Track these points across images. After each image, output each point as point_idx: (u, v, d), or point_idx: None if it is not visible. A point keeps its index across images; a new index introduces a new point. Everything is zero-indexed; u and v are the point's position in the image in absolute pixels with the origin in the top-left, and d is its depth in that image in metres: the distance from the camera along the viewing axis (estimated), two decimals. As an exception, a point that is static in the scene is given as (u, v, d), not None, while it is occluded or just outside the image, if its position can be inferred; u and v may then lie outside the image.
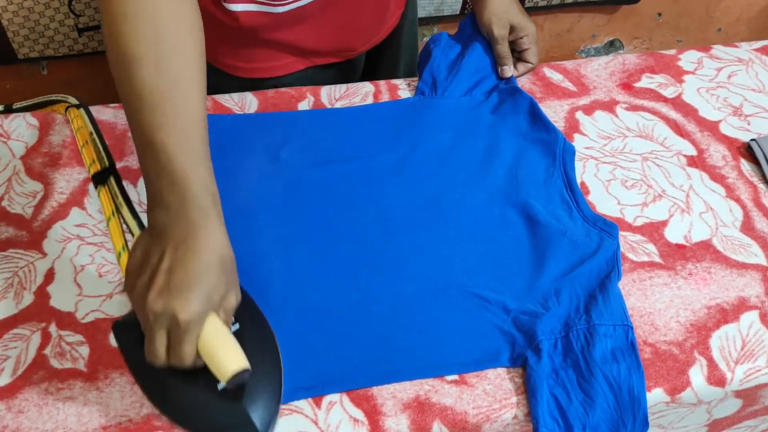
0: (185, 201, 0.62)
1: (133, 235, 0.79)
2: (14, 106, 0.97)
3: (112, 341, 0.73)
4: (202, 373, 0.62)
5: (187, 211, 0.62)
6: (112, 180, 0.83)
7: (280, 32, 0.97)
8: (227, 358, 0.60)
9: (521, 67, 1.05)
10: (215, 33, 0.99)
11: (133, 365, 0.69)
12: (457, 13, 1.67)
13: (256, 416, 0.64)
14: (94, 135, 0.88)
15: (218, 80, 1.03)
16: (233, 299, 0.64)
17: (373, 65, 1.19)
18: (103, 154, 0.87)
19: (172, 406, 0.67)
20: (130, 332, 0.65)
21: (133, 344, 0.65)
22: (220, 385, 0.64)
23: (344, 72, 1.11)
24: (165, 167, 0.62)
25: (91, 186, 0.86)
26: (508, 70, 1.03)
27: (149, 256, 0.62)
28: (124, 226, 0.80)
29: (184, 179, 0.62)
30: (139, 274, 0.61)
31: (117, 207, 0.81)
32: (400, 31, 1.16)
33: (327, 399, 0.70)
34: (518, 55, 1.05)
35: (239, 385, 0.64)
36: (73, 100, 0.94)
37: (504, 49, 1.03)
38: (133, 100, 0.64)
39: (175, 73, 0.65)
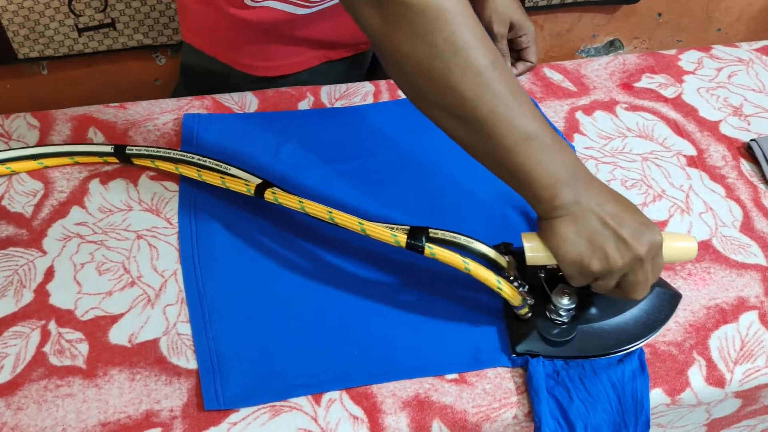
0: (577, 167, 0.65)
1: (489, 261, 0.74)
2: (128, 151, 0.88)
3: (114, 338, 0.73)
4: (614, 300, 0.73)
5: (583, 170, 0.66)
6: (432, 232, 0.73)
7: (302, 29, 0.98)
8: (683, 238, 0.72)
9: (521, 66, 1.05)
10: (234, 34, 0.99)
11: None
12: (458, 13, 1.67)
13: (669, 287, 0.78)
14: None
15: (237, 82, 1.03)
16: None
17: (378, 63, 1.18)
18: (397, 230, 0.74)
19: (628, 333, 0.74)
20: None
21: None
22: None
23: (354, 67, 1.11)
24: (551, 149, 0.64)
25: (91, 184, 0.86)
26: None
27: (592, 234, 0.65)
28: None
29: (566, 151, 0.65)
30: (602, 248, 0.65)
31: (463, 245, 0.74)
32: None
33: (327, 396, 0.70)
34: (517, 54, 1.05)
35: None
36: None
37: (502, 47, 1.03)
38: (495, 104, 0.62)
39: (501, 63, 0.64)
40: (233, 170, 0.82)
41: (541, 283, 0.74)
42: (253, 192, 0.78)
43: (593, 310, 0.74)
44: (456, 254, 0.71)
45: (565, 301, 0.72)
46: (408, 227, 0.73)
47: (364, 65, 1.15)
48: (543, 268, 0.74)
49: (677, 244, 0.71)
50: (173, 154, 0.85)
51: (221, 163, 0.83)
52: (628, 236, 0.64)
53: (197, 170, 0.83)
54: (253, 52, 1.01)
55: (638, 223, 0.65)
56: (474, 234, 0.78)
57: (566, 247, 0.66)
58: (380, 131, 0.96)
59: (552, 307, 0.73)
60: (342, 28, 1.01)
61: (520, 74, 1.05)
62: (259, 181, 0.79)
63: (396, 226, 0.73)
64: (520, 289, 0.72)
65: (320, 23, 0.98)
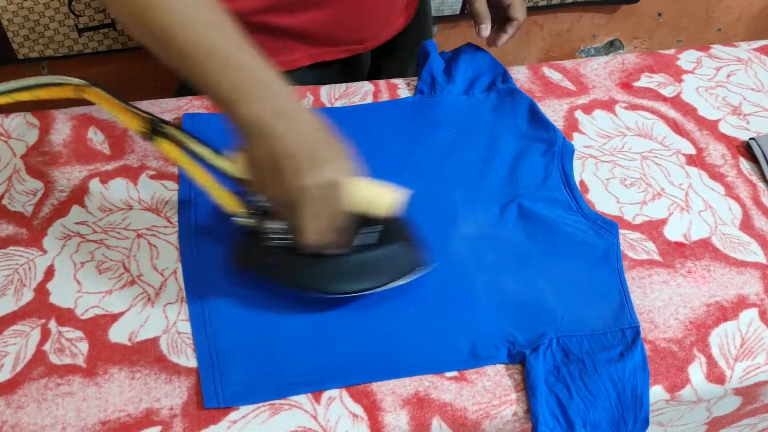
0: (270, 86, 0.63)
1: (213, 166, 0.75)
2: None
3: (114, 337, 0.73)
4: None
5: (277, 94, 0.64)
6: (166, 128, 0.75)
7: (285, 17, 0.96)
8: (380, 191, 0.67)
9: (509, 28, 1.01)
10: None
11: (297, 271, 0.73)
12: (457, 13, 1.67)
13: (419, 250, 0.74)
14: (122, 103, 0.79)
15: None
16: (353, 159, 0.66)
17: (379, 68, 1.17)
18: (140, 112, 0.76)
19: (343, 278, 0.73)
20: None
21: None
22: (371, 239, 0.72)
23: (349, 72, 1.09)
24: (241, 68, 0.63)
25: (91, 183, 0.86)
26: (485, 29, 1.00)
27: (260, 156, 0.63)
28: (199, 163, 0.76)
29: (258, 71, 0.63)
30: (262, 175, 0.64)
31: (183, 145, 0.74)
32: (410, 35, 1.14)
33: (326, 394, 0.70)
34: (504, 14, 1.01)
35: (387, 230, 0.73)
36: (78, 81, 0.82)
37: (480, 6, 0.99)
38: (171, 18, 0.62)
39: None
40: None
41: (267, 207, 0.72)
42: (146, 129, 0.75)
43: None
44: (184, 155, 0.73)
45: (275, 225, 0.71)
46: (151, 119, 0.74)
47: (363, 70, 1.14)
48: None
49: (369, 193, 0.66)
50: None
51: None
52: (290, 168, 0.62)
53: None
54: None
55: (314, 159, 0.62)
56: (473, 232, 0.78)
57: (246, 165, 0.65)
58: (380, 131, 0.95)
59: (264, 229, 0.72)
60: (330, 23, 0.99)
61: (510, 36, 1.02)
62: (151, 117, 0.75)
63: (144, 116, 0.75)
64: (246, 201, 0.72)
65: (304, 15, 0.96)
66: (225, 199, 0.74)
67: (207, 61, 0.62)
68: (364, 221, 0.71)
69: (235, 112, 0.63)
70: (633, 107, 1.03)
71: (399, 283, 0.74)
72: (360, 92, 1.01)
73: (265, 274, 0.75)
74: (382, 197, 0.67)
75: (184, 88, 1.11)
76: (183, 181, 0.87)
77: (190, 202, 0.85)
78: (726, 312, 0.80)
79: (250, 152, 0.65)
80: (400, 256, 0.74)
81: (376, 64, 1.16)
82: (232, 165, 0.71)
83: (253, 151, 0.64)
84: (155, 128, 0.75)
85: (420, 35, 1.17)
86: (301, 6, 0.95)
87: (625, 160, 0.95)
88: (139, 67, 1.55)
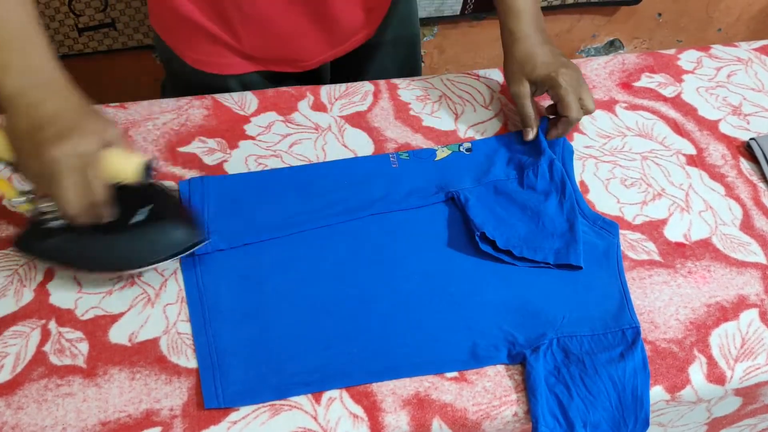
0: (38, 63, 0.65)
1: None
2: None
3: (114, 338, 0.73)
4: (121, 217, 0.71)
5: (44, 71, 0.65)
6: None
7: (213, 26, 0.94)
8: (128, 157, 0.68)
9: (560, 125, 0.91)
10: (170, 20, 0.98)
11: (55, 254, 0.74)
12: (458, 13, 1.67)
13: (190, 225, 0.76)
14: None
15: (183, 71, 1.01)
16: (114, 130, 0.68)
17: (357, 71, 1.14)
18: None
19: (119, 258, 0.74)
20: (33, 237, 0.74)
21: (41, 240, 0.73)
22: (135, 219, 0.73)
23: (307, 80, 1.06)
24: (11, 34, 0.65)
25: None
26: (530, 132, 0.92)
27: (17, 127, 0.64)
28: None
29: (34, 43, 0.65)
30: (19, 146, 0.64)
31: None
32: (392, 44, 1.12)
33: (327, 395, 0.70)
34: (561, 107, 0.91)
35: (148, 195, 0.75)
36: None
37: (523, 108, 0.92)
38: None
39: None
40: None
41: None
42: None
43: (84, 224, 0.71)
44: None
45: (44, 206, 0.72)
46: None
47: (323, 78, 1.12)
48: None
49: (118, 162, 0.68)
50: None
51: None
52: (43, 138, 0.63)
53: None
54: (184, 41, 0.99)
55: (67, 129, 0.63)
56: (473, 231, 0.78)
57: (9, 141, 0.66)
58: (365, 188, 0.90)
59: (37, 209, 0.73)
60: (259, 43, 0.97)
61: (561, 133, 0.92)
62: None
63: None
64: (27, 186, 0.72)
65: (232, 28, 0.95)
66: (0, 185, 0.74)
67: None
68: (135, 200, 0.73)
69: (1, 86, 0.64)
70: (633, 107, 1.03)
71: (173, 259, 0.76)
72: (360, 92, 1.01)
73: (42, 257, 0.76)
74: (128, 163, 0.68)
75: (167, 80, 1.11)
76: (183, 181, 0.87)
77: (190, 203, 0.85)
78: (726, 312, 0.80)
79: (9, 126, 0.65)
80: (171, 232, 0.75)
81: (344, 73, 1.14)
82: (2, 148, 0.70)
83: (12, 123, 0.65)
84: None
85: (400, 42, 1.15)
86: (227, 21, 0.94)
87: (625, 161, 0.95)
88: (139, 67, 1.55)
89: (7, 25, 0.65)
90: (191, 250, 0.76)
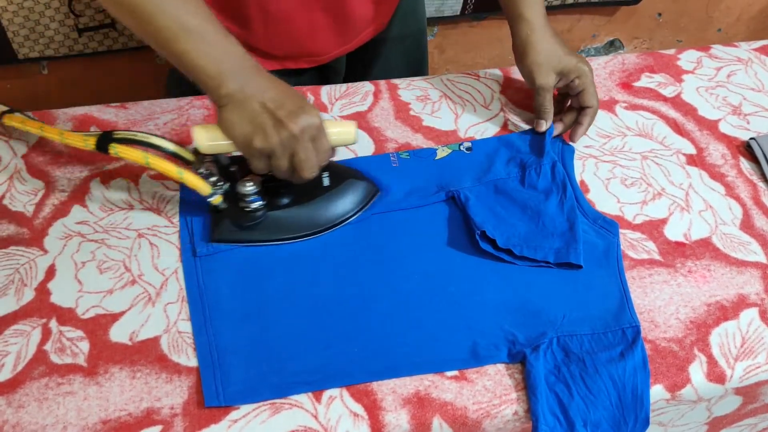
0: (243, 60, 0.74)
1: (173, 154, 0.79)
2: None
3: (114, 336, 0.73)
4: (311, 186, 0.81)
5: (249, 62, 0.74)
6: (118, 133, 0.79)
7: (230, 25, 0.94)
8: (343, 124, 0.79)
9: (585, 118, 0.94)
10: None
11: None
12: (458, 13, 1.67)
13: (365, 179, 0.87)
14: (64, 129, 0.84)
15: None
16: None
17: (365, 66, 1.15)
18: (84, 135, 0.80)
19: (318, 219, 0.83)
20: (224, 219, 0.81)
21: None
22: (326, 182, 0.83)
23: (320, 77, 1.07)
24: (214, 42, 0.73)
25: (92, 183, 0.87)
26: (544, 124, 0.93)
27: (253, 115, 0.73)
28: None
29: (230, 45, 0.74)
30: (262, 128, 0.72)
31: (143, 142, 0.79)
32: (397, 41, 1.13)
33: (327, 394, 0.70)
34: (577, 101, 0.94)
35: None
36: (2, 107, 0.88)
37: (544, 100, 0.93)
38: (152, 12, 0.71)
39: None
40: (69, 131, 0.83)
41: (235, 176, 0.81)
42: (94, 146, 0.78)
43: (285, 199, 0.82)
44: (138, 150, 0.77)
45: (248, 188, 0.79)
46: (98, 133, 0.79)
47: (338, 73, 1.12)
48: (238, 161, 0.80)
49: (336, 129, 0.78)
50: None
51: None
52: (283, 116, 0.72)
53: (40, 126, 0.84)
54: None
55: (296, 107, 0.73)
56: (473, 231, 0.78)
57: (234, 130, 0.74)
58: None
59: (239, 195, 0.80)
60: (271, 40, 0.98)
61: (588, 126, 0.94)
62: (98, 133, 0.79)
63: (89, 134, 0.79)
64: (211, 179, 0.79)
65: (244, 28, 0.95)
66: (196, 183, 0.78)
67: (186, 40, 0.71)
68: None
69: (215, 87, 0.72)
70: (633, 107, 1.03)
71: (362, 211, 0.85)
72: (360, 92, 1.01)
73: (245, 239, 0.81)
74: (346, 129, 0.79)
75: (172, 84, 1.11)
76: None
77: (191, 202, 0.85)
78: (726, 311, 0.80)
79: (236, 117, 0.73)
80: (353, 190, 0.85)
81: (355, 68, 1.14)
82: (185, 149, 0.80)
83: (240, 114, 0.73)
84: (108, 138, 0.78)
85: (406, 36, 1.15)
86: (245, 19, 0.94)
87: (625, 160, 0.95)
88: (139, 67, 1.55)
89: (204, 33, 0.72)
90: (371, 202, 0.86)
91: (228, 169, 0.80)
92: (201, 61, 0.72)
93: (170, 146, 0.79)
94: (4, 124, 0.87)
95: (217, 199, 0.80)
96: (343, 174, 0.85)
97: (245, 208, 0.81)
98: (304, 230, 0.82)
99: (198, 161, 0.80)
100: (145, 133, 0.79)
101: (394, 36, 1.12)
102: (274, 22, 0.95)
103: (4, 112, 0.87)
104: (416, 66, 1.20)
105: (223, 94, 0.73)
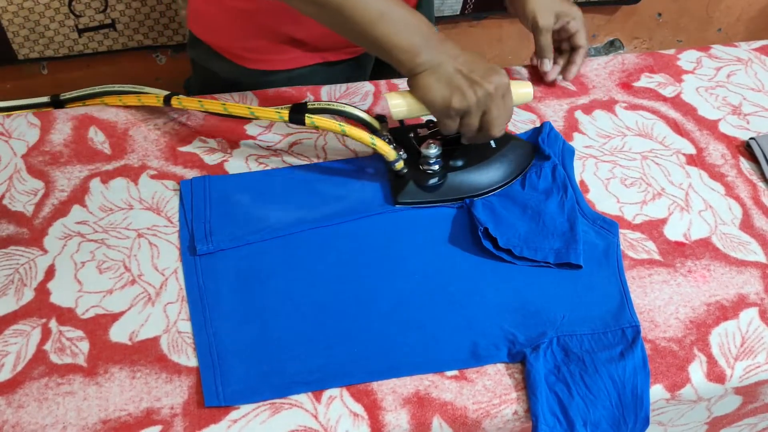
0: (430, 31, 0.80)
1: (362, 122, 0.87)
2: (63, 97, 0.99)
3: (114, 336, 0.73)
4: (481, 149, 0.89)
5: (436, 32, 0.81)
6: (311, 104, 0.86)
7: (276, 22, 0.97)
8: (522, 84, 0.87)
9: (577, 57, 1.03)
10: (220, 20, 0.99)
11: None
12: (458, 13, 1.67)
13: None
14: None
15: (230, 70, 1.03)
16: None
17: (384, 66, 1.16)
18: (275, 109, 0.86)
19: (493, 178, 0.89)
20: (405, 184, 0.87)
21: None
22: (492, 144, 0.89)
23: (354, 69, 1.10)
24: (404, 21, 0.79)
25: (92, 183, 0.87)
26: (548, 63, 1.03)
27: (449, 78, 0.79)
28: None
29: (417, 20, 0.80)
30: (459, 89, 0.79)
31: (336, 111, 0.86)
32: None
33: (327, 393, 0.70)
34: (569, 42, 1.03)
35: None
36: (160, 91, 0.94)
37: (547, 40, 1.01)
38: (355, 9, 0.78)
39: None
40: (147, 89, 0.92)
41: (412, 142, 0.88)
42: (287, 118, 0.84)
43: (460, 162, 0.88)
44: (333, 120, 0.84)
45: (432, 151, 0.85)
46: (290, 105, 0.85)
47: (366, 69, 1.14)
48: (413, 129, 0.90)
49: (519, 90, 0.86)
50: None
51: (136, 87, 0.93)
52: (478, 77, 0.79)
53: (118, 98, 0.94)
54: (241, 43, 1.01)
55: (487, 68, 0.80)
56: (473, 231, 0.78)
57: (432, 94, 0.80)
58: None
59: (422, 158, 0.86)
60: (322, 30, 0.99)
61: (580, 65, 1.04)
62: (290, 106, 0.86)
63: (281, 107, 0.85)
64: (393, 145, 0.85)
65: (295, 20, 0.97)
66: (386, 149, 0.84)
67: (378, 24, 0.78)
68: None
69: (411, 59, 0.79)
70: (633, 107, 1.03)
71: (526, 171, 0.91)
72: (360, 92, 1.02)
73: (429, 200, 0.87)
74: (525, 89, 0.87)
75: (193, 79, 1.12)
76: (185, 181, 0.87)
77: (191, 202, 0.85)
78: (726, 311, 0.80)
79: (432, 82, 0.80)
80: (518, 150, 0.91)
81: (381, 61, 1.15)
82: (371, 117, 0.88)
83: (436, 79, 0.80)
84: (301, 109, 0.85)
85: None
86: (293, 13, 0.95)
87: (625, 160, 0.95)
88: (139, 67, 1.55)
89: (394, 13, 0.79)
90: (532, 161, 0.92)
91: (406, 136, 0.88)
92: (395, 38, 0.78)
93: (362, 114, 0.87)
94: (173, 106, 0.91)
95: (400, 165, 0.86)
96: (506, 137, 0.90)
97: (427, 171, 0.86)
98: (479, 190, 0.88)
99: (381, 129, 0.87)
100: (336, 102, 0.87)
101: None
102: None
103: (169, 95, 0.92)
104: None
105: (419, 63, 0.79)
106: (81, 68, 1.52)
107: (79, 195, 0.85)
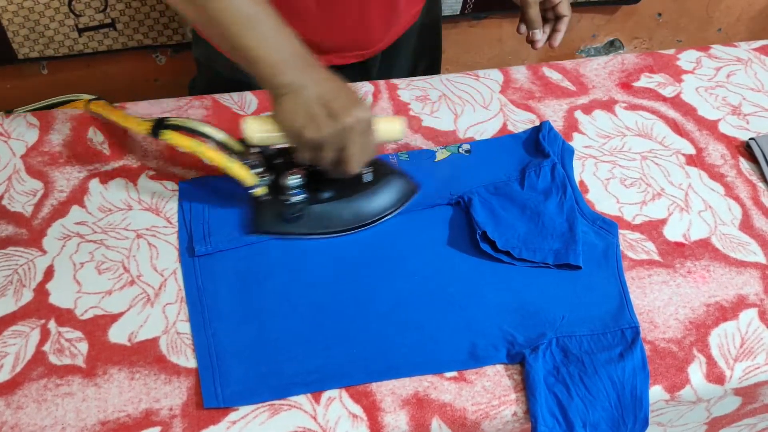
0: (299, 51, 0.74)
1: (221, 144, 0.81)
2: (15, 111, 0.97)
3: (113, 337, 0.73)
4: (352, 182, 0.82)
5: (307, 55, 0.75)
6: (171, 119, 0.82)
7: (285, 18, 0.96)
8: (391, 120, 0.80)
9: (562, 25, 1.01)
10: None
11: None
12: (458, 13, 1.67)
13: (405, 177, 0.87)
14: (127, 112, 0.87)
15: (232, 69, 1.02)
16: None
17: (389, 66, 1.16)
18: (142, 119, 0.84)
19: (358, 215, 0.84)
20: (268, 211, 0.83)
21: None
22: (367, 178, 0.83)
23: (360, 74, 1.09)
24: (274, 35, 0.74)
25: (91, 183, 0.86)
26: (539, 33, 1.00)
27: (308, 106, 0.73)
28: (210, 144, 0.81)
29: (288, 37, 0.74)
30: (314, 119, 0.73)
31: (194, 130, 0.81)
32: (418, 31, 1.14)
33: (326, 395, 0.70)
34: (553, 12, 1.01)
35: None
36: (88, 96, 0.93)
37: (535, 12, 0.99)
38: (224, 10, 0.73)
39: None
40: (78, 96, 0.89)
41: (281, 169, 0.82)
42: (148, 131, 0.81)
43: (327, 193, 0.83)
44: (190, 138, 0.80)
45: (292, 182, 0.80)
46: (156, 118, 0.82)
47: (372, 71, 1.14)
48: (283, 153, 0.82)
49: (386, 126, 0.79)
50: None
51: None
52: (339, 108, 0.72)
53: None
54: None
55: (350, 100, 0.74)
56: (473, 232, 0.78)
57: (287, 120, 0.74)
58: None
59: (282, 188, 0.81)
60: (328, 32, 1.00)
61: (563, 33, 1.02)
62: (155, 119, 0.82)
63: (149, 119, 0.82)
64: (256, 170, 0.80)
65: (298, 22, 0.97)
66: (242, 174, 0.80)
67: (245, 30, 0.72)
68: None
69: (272, 76, 0.73)
70: (633, 107, 1.03)
71: (401, 209, 0.85)
72: (359, 92, 1.01)
73: (286, 231, 0.82)
74: (393, 125, 0.80)
75: (198, 79, 1.12)
76: (183, 181, 0.87)
77: (190, 203, 0.85)
78: (726, 312, 0.80)
79: (290, 106, 0.74)
80: (394, 187, 0.85)
81: (385, 62, 1.16)
82: (233, 139, 0.81)
83: (294, 104, 0.73)
84: (161, 123, 0.81)
85: (430, 28, 1.17)
86: (301, 15, 0.95)
87: (624, 160, 0.95)
88: (139, 67, 1.55)
89: (266, 25, 0.73)
90: (409, 200, 0.86)
91: (272, 161, 0.81)
92: (261, 51, 0.73)
93: (219, 135, 0.81)
94: (91, 110, 0.90)
95: (260, 191, 0.81)
96: (385, 171, 0.85)
97: (286, 201, 0.81)
98: (343, 225, 0.83)
99: (245, 152, 0.81)
100: (197, 121, 0.81)
101: (417, 26, 1.14)
102: (330, 10, 0.96)
103: (90, 100, 0.91)
104: (430, 59, 1.23)
105: (281, 83, 0.73)
106: (81, 68, 1.52)
107: (78, 195, 0.85)
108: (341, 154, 0.75)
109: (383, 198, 0.84)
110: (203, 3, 0.73)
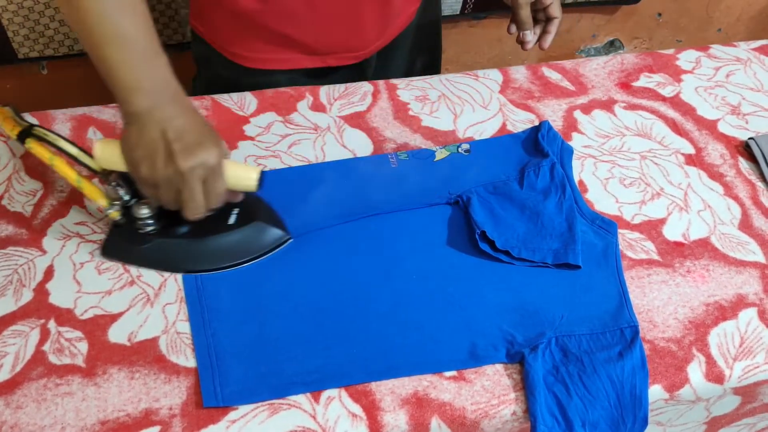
0: (164, 82, 0.70)
1: (80, 162, 0.77)
2: None
3: (113, 337, 0.73)
4: (213, 221, 0.76)
5: (170, 87, 0.70)
6: (37, 129, 0.78)
7: (276, 23, 0.96)
8: (246, 169, 0.74)
9: (552, 27, 1.02)
10: (220, 18, 0.99)
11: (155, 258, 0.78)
12: (457, 13, 1.67)
13: (277, 225, 0.81)
14: (10, 111, 0.82)
15: (230, 69, 1.03)
16: (225, 145, 0.73)
17: (386, 66, 1.16)
18: (18, 119, 0.80)
19: (211, 257, 0.79)
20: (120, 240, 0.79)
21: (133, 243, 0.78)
22: (231, 219, 0.79)
23: (356, 75, 1.09)
24: (142, 58, 0.68)
25: (90, 184, 0.86)
26: (530, 34, 1.01)
27: (150, 141, 0.68)
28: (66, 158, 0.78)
29: (157, 65, 0.69)
30: (151, 157, 0.68)
31: (52, 143, 0.77)
32: (415, 31, 1.14)
33: (326, 394, 0.70)
34: (544, 14, 1.02)
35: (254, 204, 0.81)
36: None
37: (526, 13, 1.00)
38: (98, 24, 0.67)
39: None
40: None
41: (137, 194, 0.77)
42: (16, 136, 0.78)
43: (184, 228, 0.78)
44: (46, 150, 0.76)
45: (143, 212, 0.76)
46: (30, 125, 0.78)
47: (368, 71, 1.14)
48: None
49: (238, 173, 0.74)
50: None
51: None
52: (177, 150, 0.68)
53: None
54: (238, 42, 1.01)
55: (196, 142, 0.69)
56: (472, 232, 0.78)
57: (126, 151, 0.71)
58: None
59: (134, 216, 0.77)
60: (321, 33, 1.00)
61: (554, 34, 1.03)
62: (26, 124, 0.79)
63: (22, 123, 0.79)
64: (119, 192, 0.76)
65: (293, 22, 0.97)
66: (93, 193, 0.77)
67: (112, 52, 0.67)
68: (226, 203, 0.77)
69: (124, 103, 0.69)
70: (632, 107, 1.03)
71: (260, 259, 0.80)
72: (359, 92, 1.01)
73: (134, 261, 0.79)
74: (248, 174, 0.74)
75: (198, 78, 1.12)
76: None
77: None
78: (725, 311, 0.80)
79: (134, 139, 0.70)
80: (258, 234, 0.80)
81: (382, 62, 1.16)
82: (95, 161, 0.75)
83: (140, 137, 0.69)
84: (28, 131, 0.78)
85: (428, 28, 1.17)
86: (292, 16, 0.95)
87: (624, 160, 0.95)
88: (138, 68, 1.54)
89: (135, 44, 0.68)
90: (277, 249, 0.81)
91: (135, 186, 0.76)
92: (120, 71, 0.68)
93: (74, 151, 0.76)
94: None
95: (114, 214, 0.77)
96: (254, 215, 0.80)
97: (138, 230, 0.78)
98: (191, 265, 0.79)
99: (102, 172, 0.76)
100: (57, 135, 0.77)
101: (413, 26, 1.14)
102: (322, 12, 0.96)
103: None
104: (430, 59, 1.23)
105: (132, 111, 0.69)
106: (81, 68, 1.51)
107: (78, 196, 0.85)
108: (178, 197, 0.71)
109: (242, 245, 0.79)
110: (82, 13, 0.67)
